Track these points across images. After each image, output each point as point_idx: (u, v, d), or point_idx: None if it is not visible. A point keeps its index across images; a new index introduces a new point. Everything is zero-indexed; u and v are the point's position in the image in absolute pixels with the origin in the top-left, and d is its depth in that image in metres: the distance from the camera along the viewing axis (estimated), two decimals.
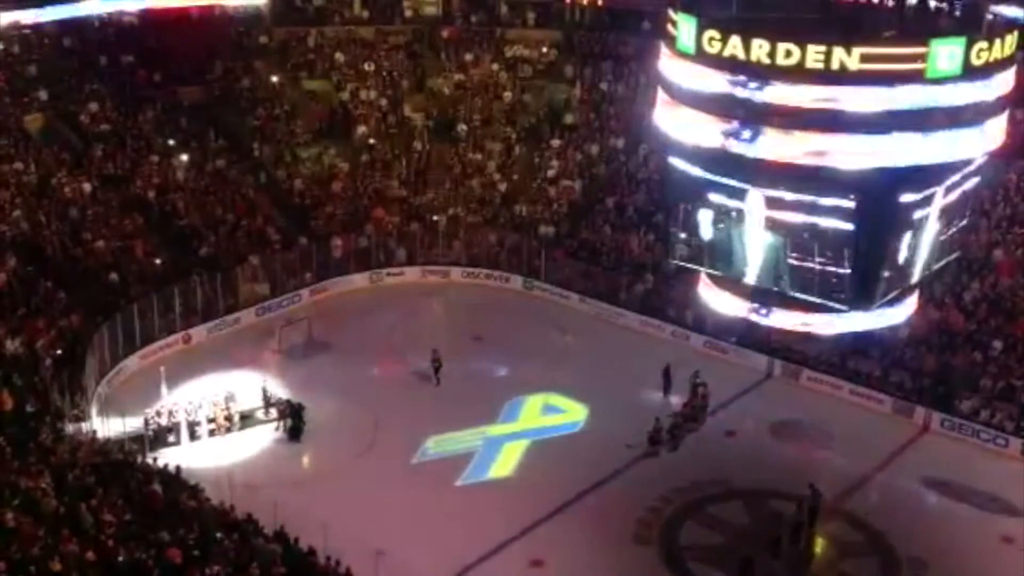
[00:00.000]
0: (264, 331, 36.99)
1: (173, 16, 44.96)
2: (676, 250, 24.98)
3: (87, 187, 38.98)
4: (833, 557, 27.11)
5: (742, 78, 20.90)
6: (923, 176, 21.65)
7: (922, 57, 20.03)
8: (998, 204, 36.04)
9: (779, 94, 20.62)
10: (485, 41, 48.75)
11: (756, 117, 21.14)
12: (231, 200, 41.34)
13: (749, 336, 35.31)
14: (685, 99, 22.32)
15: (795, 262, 22.73)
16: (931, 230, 22.96)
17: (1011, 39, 21.03)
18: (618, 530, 27.10)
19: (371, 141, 45.68)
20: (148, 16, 44.65)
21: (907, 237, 22.45)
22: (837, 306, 23.08)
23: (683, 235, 24.91)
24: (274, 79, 46.60)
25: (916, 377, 33.21)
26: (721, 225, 23.37)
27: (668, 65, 22.75)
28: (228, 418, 31.13)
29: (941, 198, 22.63)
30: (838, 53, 19.90)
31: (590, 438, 31.43)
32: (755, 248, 23.13)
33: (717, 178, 22.89)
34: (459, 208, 43.69)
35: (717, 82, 21.32)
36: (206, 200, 40.87)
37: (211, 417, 30.91)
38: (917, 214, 22.30)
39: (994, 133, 21.91)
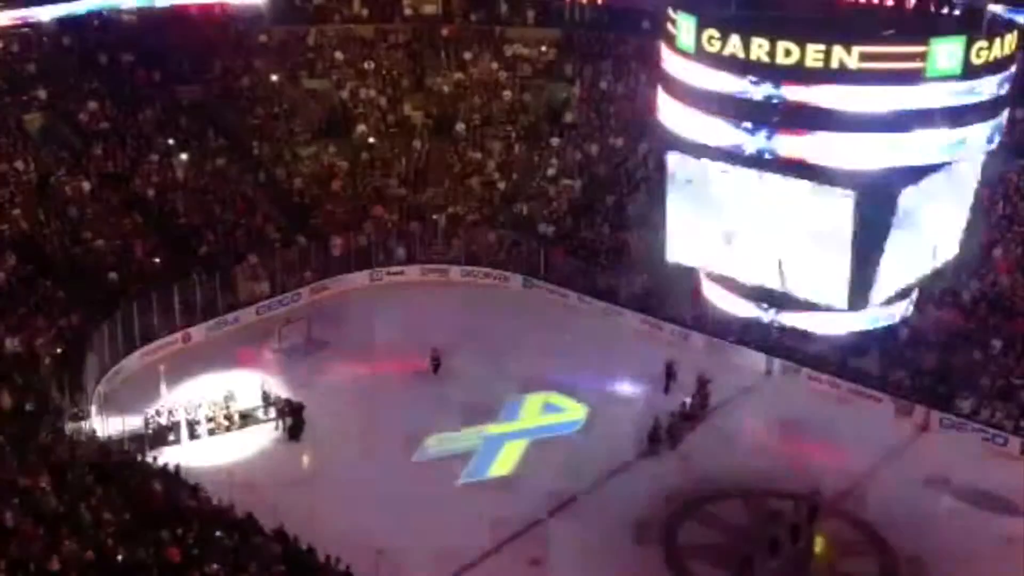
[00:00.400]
0: (264, 330, 36.99)
1: (190, 14, 44.93)
2: (676, 249, 25.01)
3: (86, 186, 39.01)
4: (832, 556, 27.12)
5: (742, 77, 20.94)
6: (922, 175, 21.67)
7: (922, 56, 20.05)
8: (997, 203, 36.03)
9: (779, 93, 20.66)
10: (485, 40, 48.69)
11: (755, 115, 21.19)
12: (231, 199, 41.33)
13: (748, 335, 35.35)
14: (685, 97, 22.36)
15: (796, 261, 22.77)
16: (931, 228, 22.97)
17: (1011, 38, 21.05)
18: (617, 529, 27.10)
19: (371, 140, 45.66)
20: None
21: (906, 236, 22.47)
22: (836, 306, 23.15)
23: (682, 235, 24.94)
24: (274, 78, 46.57)
25: (915, 376, 33.20)
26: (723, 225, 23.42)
27: (669, 63, 22.78)
28: (228, 417, 31.14)
29: (942, 196, 22.63)
30: (838, 52, 19.93)
31: (590, 437, 31.44)
32: (755, 248, 23.15)
33: (717, 176, 22.90)
34: (459, 207, 43.68)
35: (717, 80, 21.36)
36: (205, 199, 40.88)
37: (211, 416, 30.92)
38: (916, 212, 22.31)
39: (993, 132, 21.95)
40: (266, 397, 31.93)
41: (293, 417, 31.19)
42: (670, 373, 33.51)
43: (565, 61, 47.78)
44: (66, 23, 42.70)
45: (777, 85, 20.58)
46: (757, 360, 35.38)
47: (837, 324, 24.71)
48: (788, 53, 20.25)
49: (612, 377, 34.94)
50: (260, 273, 39.04)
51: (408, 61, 48.41)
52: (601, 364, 35.39)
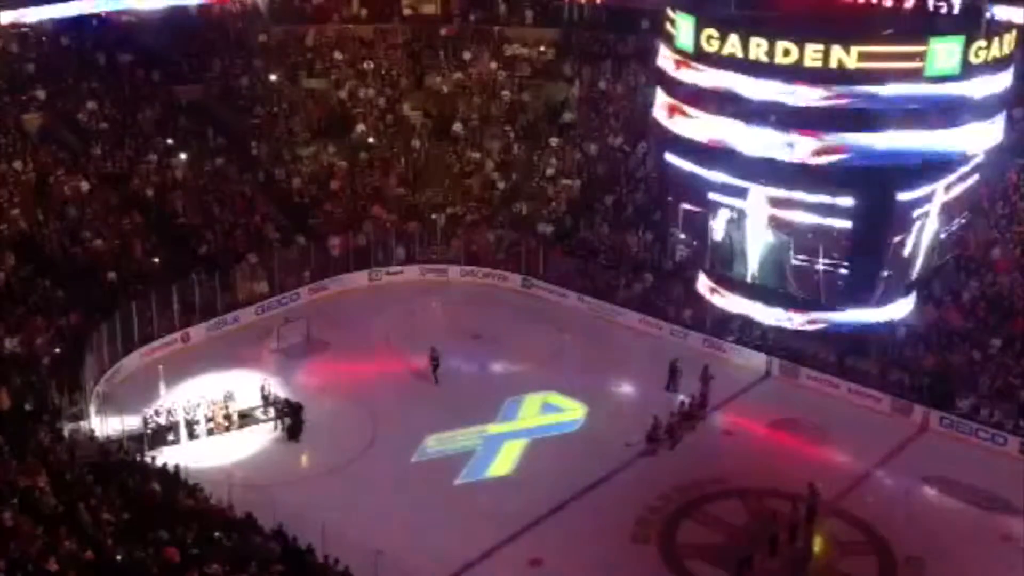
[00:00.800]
0: (263, 330, 36.97)
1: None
2: (675, 249, 25.03)
3: (85, 186, 38.98)
4: (831, 556, 27.12)
5: (741, 77, 20.95)
6: (921, 174, 21.68)
7: (921, 55, 20.06)
8: (996, 202, 36.05)
9: (777, 92, 20.67)
10: (484, 40, 48.69)
11: (754, 115, 21.19)
12: (230, 199, 41.31)
13: (747, 335, 35.37)
14: (684, 97, 22.35)
15: (796, 260, 22.77)
16: (931, 228, 22.97)
17: (1010, 38, 21.07)
18: (616, 529, 27.10)
19: (370, 139, 45.64)
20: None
21: (906, 235, 22.48)
22: (837, 305, 23.17)
23: (682, 235, 24.96)
24: (273, 77, 46.55)
25: (914, 375, 33.20)
26: (722, 225, 23.41)
27: (667, 63, 22.78)
28: (227, 417, 31.12)
29: (941, 196, 22.64)
30: (836, 52, 19.93)
31: (589, 437, 31.44)
32: (755, 247, 23.15)
33: (717, 176, 22.92)
34: (458, 207, 43.68)
35: (716, 80, 21.36)
36: (205, 199, 40.85)
37: (210, 416, 30.91)
38: (916, 212, 22.32)
39: (992, 131, 21.96)
40: (265, 397, 31.91)
41: (292, 417, 31.18)
42: (674, 372, 33.52)
43: (564, 61, 47.77)
44: (65, 23, 42.68)
45: (774, 85, 20.59)
46: (756, 360, 35.39)
47: (836, 321, 24.68)
48: (787, 53, 20.25)
49: (611, 377, 34.95)
50: (259, 273, 39.02)
51: (407, 61, 48.41)
52: (600, 364, 35.41)
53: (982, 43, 20.38)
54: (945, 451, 31.10)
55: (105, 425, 30.00)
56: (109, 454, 26.65)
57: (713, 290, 25.53)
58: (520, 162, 45.28)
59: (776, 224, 22.52)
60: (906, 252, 22.70)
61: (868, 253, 22.15)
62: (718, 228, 23.52)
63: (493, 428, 31.89)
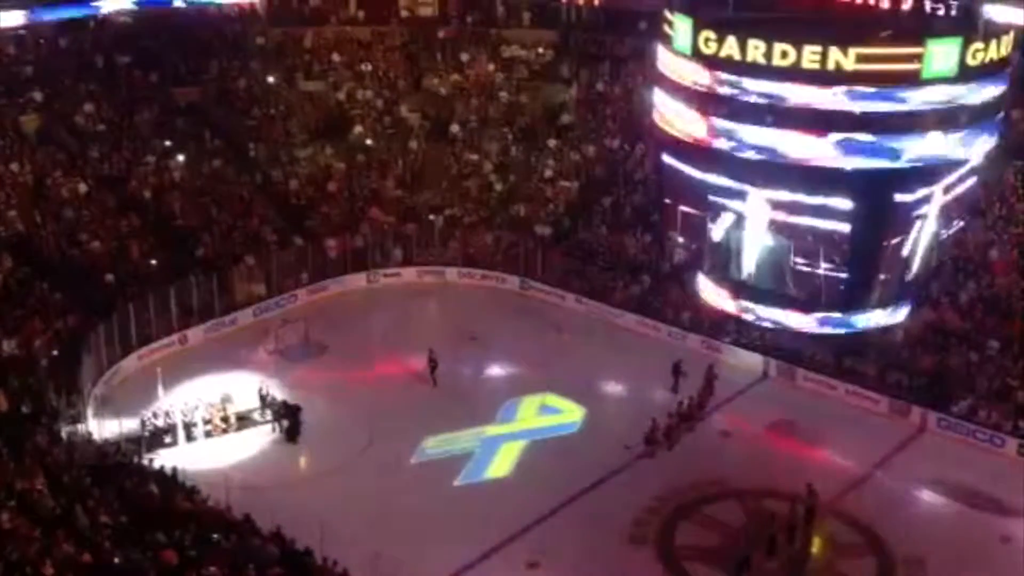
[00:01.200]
0: (260, 332, 36.95)
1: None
2: (673, 252, 25.06)
3: (83, 188, 38.97)
4: (829, 557, 27.12)
5: (739, 78, 20.97)
6: (919, 176, 21.71)
7: (918, 57, 20.09)
8: (994, 204, 36.08)
9: (776, 94, 20.69)
10: (481, 41, 48.72)
11: (752, 117, 21.21)
12: (227, 201, 41.31)
13: (745, 336, 35.38)
14: (682, 99, 22.37)
15: (795, 262, 22.80)
16: (929, 230, 23.01)
17: (1007, 40, 21.10)
18: (614, 530, 27.09)
19: (367, 141, 45.64)
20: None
21: (904, 237, 22.50)
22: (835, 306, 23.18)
23: (680, 238, 24.98)
24: (270, 79, 46.56)
25: (912, 377, 33.22)
26: (721, 227, 23.43)
27: (665, 64, 22.80)
28: (225, 419, 31.11)
29: (940, 197, 22.66)
30: (834, 53, 19.96)
31: (587, 438, 31.42)
32: (754, 249, 23.17)
33: (715, 178, 22.95)
34: (455, 208, 43.69)
35: (713, 82, 21.38)
36: (202, 201, 40.84)
37: (207, 418, 30.89)
38: (914, 214, 22.35)
39: (990, 133, 21.99)
40: (263, 399, 31.89)
41: (290, 419, 31.17)
42: (678, 372, 33.55)
43: (562, 63, 47.80)
44: (63, 25, 42.66)
45: (772, 86, 20.62)
46: (754, 361, 35.40)
47: (835, 324, 24.71)
48: (785, 55, 20.28)
49: (609, 378, 34.95)
50: (257, 275, 39.03)
51: (405, 63, 48.43)
52: (598, 365, 35.40)
53: (979, 45, 20.41)
54: (943, 452, 31.11)
55: (103, 427, 29.96)
56: (107, 456, 26.61)
57: (711, 292, 25.56)
58: (518, 164, 45.29)
59: (775, 226, 22.54)
60: (904, 253, 22.73)
61: (866, 255, 22.18)
62: (716, 230, 23.54)
63: (491, 430, 31.88)
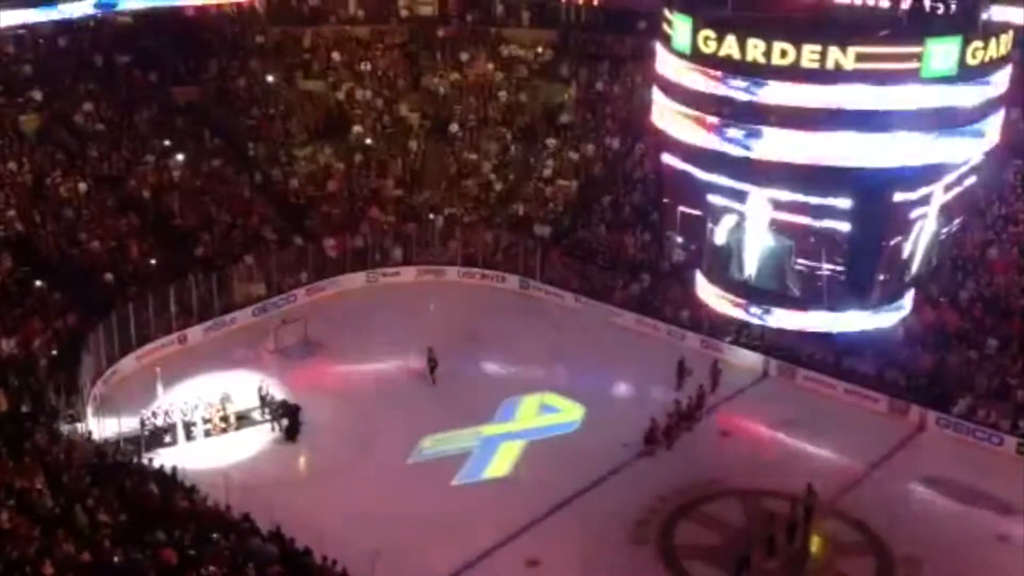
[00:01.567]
0: (260, 331, 36.95)
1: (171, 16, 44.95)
2: (672, 251, 25.01)
3: (82, 187, 38.95)
4: (829, 556, 27.13)
5: (738, 78, 20.93)
6: (919, 176, 21.68)
7: (917, 56, 20.06)
8: (993, 203, 36.10)
9: (775, 94, 20.66)
10: (481, 41, 48.74)
11: (752, 116, 21.18)
12: (227, 200, 41.31)
13: (745, 335, 35.39)
14: (682, 98, 22.33)
15: (795, 262, 22.76)
16: (929, 229, 22.98)
17: (1006, 38, 21.07)
18: (614, 529, 27.11)
19: (367, 141, 45.66)
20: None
21: (904, 236, 22.48)
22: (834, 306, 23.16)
23: (679, 238, 24.94)
24: (270, 79, 46.56)
25: (911, 376, 33.25)
26: (721, 227, 23.38)
27: (664, 64, 22.77)
28: (224, 418, 31.11)
29: (940, 197, 22.64)
30: (833, 52, 19.92)
31: (586, 437, 31.43)
32: (754, 249, 23.14)
33: (715, 178, 22.92)
34: (455, 208, 43.70)
35: (713, 81, 21.34)
36: (201, 200, 40.84)
37: (207, 417, 30.89)
38: (914, 213, 22.33)
39: (990, 132, 21.96)
40: (262, 398, 31.89)
41: (289, 418, 31.16)
42: (682, 370, 33.54)
43: (561, 62, 47.83)
44: (62, 24, 42.65)
45: (772, 86, 20.59)
46: (753, 360, 35.41)
47: (835, 324, 24.68)
48: (784, 54, 20.24)
49: (608, 377, 34.95)
50: (256, 274, 39.04)
51: (404, 62, 48.45)
52: (597, 365, 35.41)
53: (979, 43, 20.39)
54: (942, 451, 31.15)
55: (102, 427, 29.96)
56: (106, 456, 26.58)
57: (710, 292, 25.53)
58: (517, 163, 45.31)
59: (775, 226, 22.52)
60: (904, 253, 22.71)
61: (866, 255, 22.15)
62: (715, 230, 23.51)
63: (490, 429, 31.88)
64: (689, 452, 30.75)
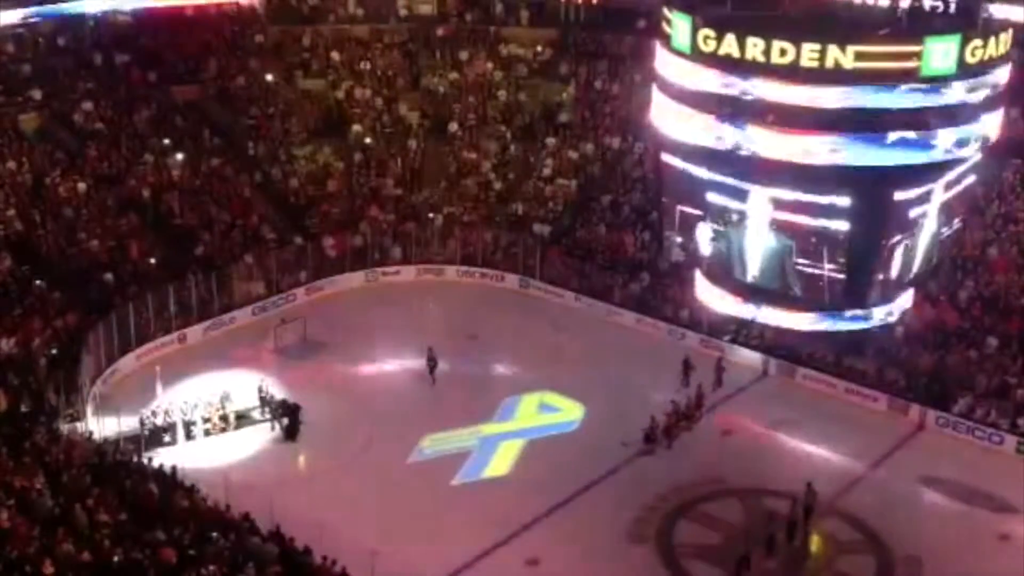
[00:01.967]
0: (260, 330, 36.93)
1: (170, 15, 44.90)
2: (671, 251, 25.03)
3: (82, 186, 38.90)
4: (829, 555, 27.12)
5: (737, 77, 20.94)
6: (918, 174, 21.70)
7: (917, 55, 20.08)
8: (992, 202, 36.10)
9: (775, 92, 20.68)
10: (480, 40, 48.68)
11: (752, 115, 21.19)
12: (226, 199, 41.28)
13: (745, 334, 35.39)
14: (681, 97, 22.35)
15: (795, 261, 22.79)
16: (929, 228, 23.00)
17: (1005, 37, 21.09)
18: (614, 528, 27.11)
19: (366, 140, 45.61)
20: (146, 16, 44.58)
21: (904, 235, 22.49)
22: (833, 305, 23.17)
23: (678, 238, 24.96)
24: (269, 78, 46.50)
25: (911, 375, 33.23)
26: (721, 227, 23.39)
27: (663, 63, 22.78)
28: (224, 418, 31.09)
29: (940, 195, 22.66)
30: (833, 51, 19.95)
31: (586, 437, 31.43)
32: (754, 248, 23.16)
33: (715, 177, 22.93)
34: (454, 207, 43.68)
35: (713, 80, 21.36)
36: (201, 199, 40.79)
37: (207, 417, 30.88)
38: (913, 212, 22.34)
39: (989, 131, 21.98)
40: (262, 398, 31.87)
41: (289, 418, 31.15)
42: (687, 368, 33.55)
43: (560, 61, 47.78)
44: (61, 24, 42.60)
45: (772, 85, 20.59)
46: (753, 359, 35.41)
47: (833, 323, 24.70)
48: (783, 53, 20.27)
49: (608, 376, 34.91)
50: (256, 273, 39.01)
51: (404, 61, 48.39)
52: (597, 364, 35.39)
53: (978, 42, 20.40)
54: (942, 450, 31.15)
55: (102, 426, 29.94)
56: (106, 455, 26.58)
57: (709, 292, 25.55)
58: (517, 162, 45.29)
59: (775, 225, 22.53)
60: (904, 253, 22.72)
61: (866, 253, 22.16)
62: (715, 230, 23.52)
63: (490, 428, 31.87)
64: (689, 451, 30.75)
